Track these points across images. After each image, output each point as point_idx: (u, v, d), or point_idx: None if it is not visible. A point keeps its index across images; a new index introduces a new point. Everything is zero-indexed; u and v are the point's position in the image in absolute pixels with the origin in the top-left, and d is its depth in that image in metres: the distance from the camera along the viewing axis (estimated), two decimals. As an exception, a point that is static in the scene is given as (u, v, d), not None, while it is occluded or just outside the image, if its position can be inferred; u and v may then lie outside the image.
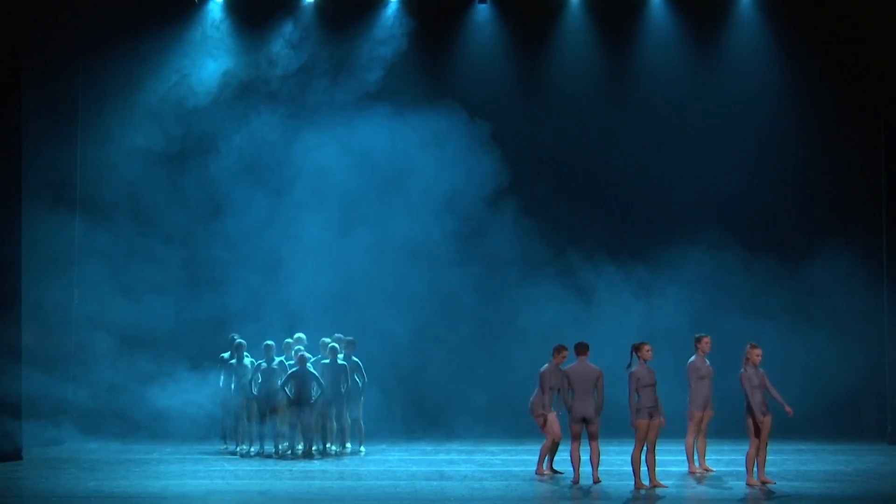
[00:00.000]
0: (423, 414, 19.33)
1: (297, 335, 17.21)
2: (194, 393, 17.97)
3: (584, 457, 13.98)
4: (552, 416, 14.39)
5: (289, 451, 16.57)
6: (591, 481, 13.82)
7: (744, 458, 13.77)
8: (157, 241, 19.30)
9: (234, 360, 17.08)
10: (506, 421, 18.65)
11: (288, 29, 19.63)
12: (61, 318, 18.35)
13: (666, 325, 18.96)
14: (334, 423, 16.84)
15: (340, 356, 16.77)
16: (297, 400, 16.39)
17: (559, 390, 14.25)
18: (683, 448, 14.77)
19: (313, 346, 17.08)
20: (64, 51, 18.45)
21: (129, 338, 18.91)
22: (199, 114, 19.44)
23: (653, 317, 19.13)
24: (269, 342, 16.87)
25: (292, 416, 16.50)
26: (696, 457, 14.82)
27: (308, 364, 16.45)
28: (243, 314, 19.15)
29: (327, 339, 17.05)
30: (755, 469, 13.65)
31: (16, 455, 15.92)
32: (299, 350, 16.70)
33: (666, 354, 18.61)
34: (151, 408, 18.43)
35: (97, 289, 19.15)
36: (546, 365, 14.50)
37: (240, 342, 17.14)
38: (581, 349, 14.13)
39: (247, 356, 17.06)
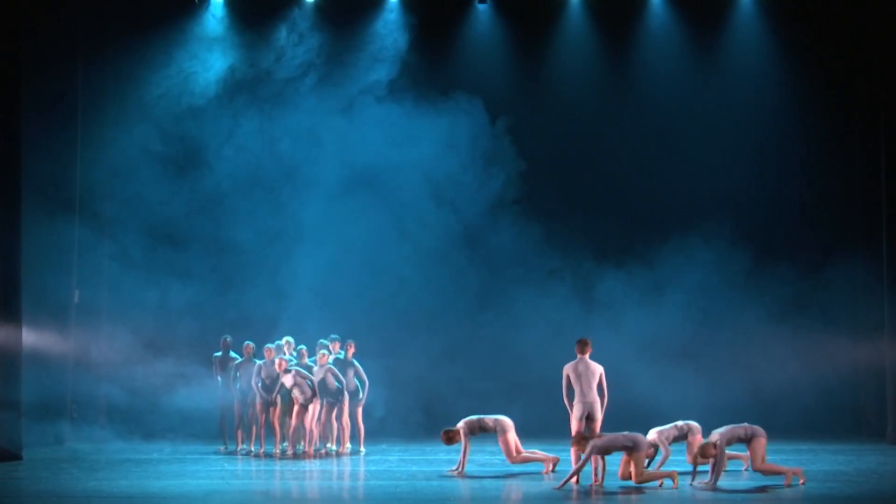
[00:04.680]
0: (423, 414, 19.33)
1: (286, 338, 17.21)
2: (193, 394, 18.02)
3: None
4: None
5: (289, 452, 16.58)
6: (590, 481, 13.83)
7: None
8: (159, 242, 19.31)
9: (238, 360, 17.10)
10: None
11: (287, 29, 19.64)
12: (61, 318, 18.33)
13: (670, 328, 19.00)
14: (334, 423, 16.85)
15: (339, 355, 16.83)
16: (303, 402, 16.43)
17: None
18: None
19: (309, 348, 17.07)
20: (64, 51, 18.43)
21: (129, 338, 18.94)
22: (199, 113, 19.46)
23: (657, 319, 19.15)
24: (270, 345, 16.88)
25: (296, 417, 16.52)
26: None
27: (308, 362, 16.51)
28: (247, 315, 19.18)
29: (325, 341, 17.07)
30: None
31: (16, 455, 15.91)
32: (301, 349, 16.76)
33: (671, 356, 18.70)
34: (150, 408, 18.52)
35: (98, 289, 19.17)
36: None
37: (247, 343, 17.15)
38: (583, 346, 14.06)
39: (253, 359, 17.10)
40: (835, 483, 13.86)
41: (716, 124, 19.89)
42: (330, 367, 16.62)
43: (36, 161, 17.36)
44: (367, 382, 16.96)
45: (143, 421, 18.60)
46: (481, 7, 19.98)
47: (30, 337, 17.09)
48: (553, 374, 19.04)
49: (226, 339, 17.37)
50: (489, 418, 14.73)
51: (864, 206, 19.35)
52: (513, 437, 14.65)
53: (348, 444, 16.96)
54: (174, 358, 18.61)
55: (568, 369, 13.97)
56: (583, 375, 13.85)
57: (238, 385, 17.03)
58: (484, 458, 16.53)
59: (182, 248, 19.33)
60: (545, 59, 20.23)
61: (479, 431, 14.74)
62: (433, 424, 19.15)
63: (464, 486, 13.80)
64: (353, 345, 17.01)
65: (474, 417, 14.75)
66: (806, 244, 19.53)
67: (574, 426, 13.84)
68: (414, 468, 15.36)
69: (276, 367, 16.39)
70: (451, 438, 14.63)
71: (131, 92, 19.31)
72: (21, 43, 16.63)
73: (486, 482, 14.15)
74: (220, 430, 17.58)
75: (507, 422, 14.69)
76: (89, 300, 18.97)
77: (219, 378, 17.33)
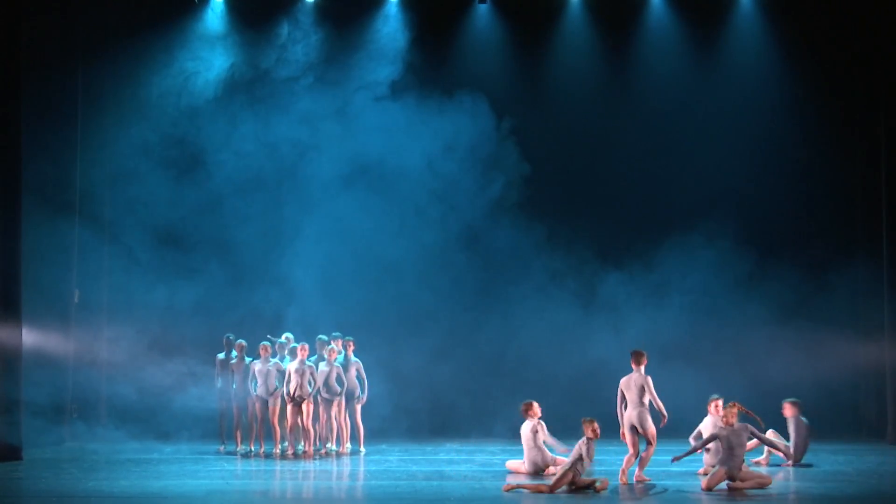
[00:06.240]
0: (423, 414, 19.34)
1: (285, 335, 17.24)
2: (195, 394, 18.03)
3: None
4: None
5: (289, 451, 16.59)
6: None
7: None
8: (160, 242, 19.29)
9: (233, 360, 17.12)
10: (507, 421, 18.66)
11: (288, 28, 19.63)
12: (62, 318, 18.34)
13: (672, 329, 19.00)
14: (334, 423, 16.87)
15: (340, 356, 16.84)
16: (297, 399, 16.45)
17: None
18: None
19: (310, 346, 17.08)
20: (64, 51, 18.42)
21: (131, 338, 18.95)
22: (200, 113, 19.43)
23: (659, 320, 19.15)
24: (266, 342, 16.90)
25: (292, 415, 16.54)
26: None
27: (306, 363, 16.55)
28: (251, 314, 19.19)
29: (324, 337, 17.08)
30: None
31: (16, 455, 15.91)
32: (294, 348, 16.77)
33: (673, 356, 18.70)
34: (150, 408, 18.55)
35: (98, 289, 19.17)
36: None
37: (240, 342, 17.16)
38: (636, 358, 14.23)
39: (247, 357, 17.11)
40: (835, 483, 13.87)
41: (717, 125, 19.88)
42: (337, 367, 16.66)
43: (36, 161, 17.36)
44: (365, 381, 16.97)
45: (144, 420, 18.59)
46: (481, 7, 19.97)
47: (30, 337, 17.10)
48: (553, 373, 19.17)
49: (228, 337, 17.37)
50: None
51: (865, 207, 19.34)
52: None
53: (348, 444, 16.97)
54: (177, 357, 18.61)
55: (621, 383, 14.20)
56: (629, 389, 14.08)
57: (236, 384, 17.05)
58: (484, 457, 16.55)
59: (184, 247, 19.32)
60: (545, 60, 20.22)
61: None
62: (437, 422, 19.22)
63: (464, 486, 13.79)
64: (352, 343, 17.02)
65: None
66: (807, 246, 19.52)
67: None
68: (414, 468, 15.37)
69: (300, 353, 16.45)
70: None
71: (131, 92, 19.30)
72: (21, 43, 16.63)
73: (486, 482, 14.15)
74: (219, 430, 17.58)
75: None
76: (90, 300, 18.98)
77: (219, 378, 17.31)
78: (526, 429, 14.92)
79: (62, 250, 18.36)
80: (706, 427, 14.77)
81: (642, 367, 14.13)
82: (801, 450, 15.72)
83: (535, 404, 14.96)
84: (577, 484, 13.28)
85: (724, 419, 13.58)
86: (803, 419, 15.88)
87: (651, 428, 13.98)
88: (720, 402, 14.69)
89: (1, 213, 16.20)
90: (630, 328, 19.23)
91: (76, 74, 18.72)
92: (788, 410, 15.90)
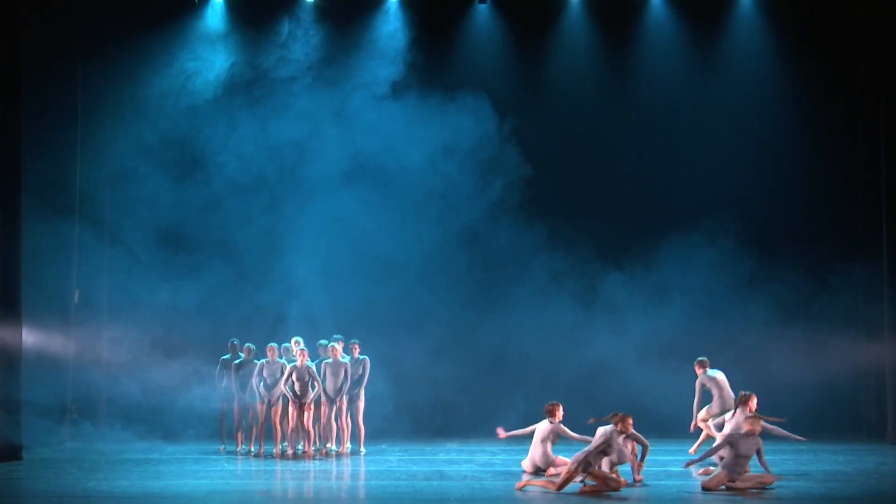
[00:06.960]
0: (424, 413, 19.34)
1: (294, 339, 17.24)
2: (196, 394, 18.04)
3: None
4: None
5: (289, 451, 16.59)
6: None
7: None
8: (161, 242, 19.29)
9: (237, 361, 17.12)
10: (507, 421, 18.65)
11: (288, 28, 19.63)
12: (62, 318, 18.34)
13: (673, 329, 18.99)
14: (334, 423, 16.86)
15: (346, 357, 16.84)
16: (298, 399, 16.46)
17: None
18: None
19: (312, 349, 17.09)
20: (64, 51, 18.42)
21: (131, 338, 18.95)
22: (200, 113, 19.42)
23: (660, 321, 19.16)
24: (272, 344, 16.91)
25: (293, 415, 16.55)
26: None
27: (308, 363, 16.55)
28: (252, 314, 19.18)
29: (324, 342, 17.07)
30: None
31: (16, 455, 15.91)
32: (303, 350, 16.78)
33: (674, 357, 18.71)
34: (150, 408, 18.56)
35: (98, 289, 19.17)
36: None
37: (249, 346, 17.15)
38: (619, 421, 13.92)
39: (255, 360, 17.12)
40: (835, 483, 13.86)
41: (717, 125, 19.88)
42: (345, 364, 16.66)
43: (36, 161, 17.35)
44: (366, 379, 16.99)
45: (146, 420, 18.58)
46: (481, 7, 19.96)
47: (31, 337, 17.10)
48: (554, 373, 19.21)
49: (233, 342, 17.38)
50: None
51: (865, 207, 19.32)
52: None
53: (348, 444, 16.97)
54: (179, 357, 18.61)
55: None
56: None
57: (237, 386, 17.04)
58: (484, 457, 16.54)
59: (185, 247, 19.31)
60: (545, 60, 20.21)
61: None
62: (437, 421, 19.23)
63: (464, 486, 13.79)
64: (357, 345, 17.02)
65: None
66: (807, 246, 19.50)
67: None
68: (414, 468, 15.37)
69: (299, 357, 16.45)
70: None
71: (131, 92, 19.29)
72: (21, 43, 16.61)
73: (487, 482, 14.15)
74: (219, 430, 17.57)
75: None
76: (90, 300, 18.97)
77: (220, 379, 17.31)
78: (542, 427, 14.71)
79: (62, 250, 18.35)
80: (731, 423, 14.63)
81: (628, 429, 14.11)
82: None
83: (560, 407, 14.65)
84: (595, 476, 13.22)
85: (750, 428, 13.52)
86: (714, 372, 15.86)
87: (628, 452, 13.97)
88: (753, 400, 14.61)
89: (1, 213, 16.20)
90: (631, 328, 19.24)
91: (76, 74, 18.71)
92: (698, 369, 15.82)
